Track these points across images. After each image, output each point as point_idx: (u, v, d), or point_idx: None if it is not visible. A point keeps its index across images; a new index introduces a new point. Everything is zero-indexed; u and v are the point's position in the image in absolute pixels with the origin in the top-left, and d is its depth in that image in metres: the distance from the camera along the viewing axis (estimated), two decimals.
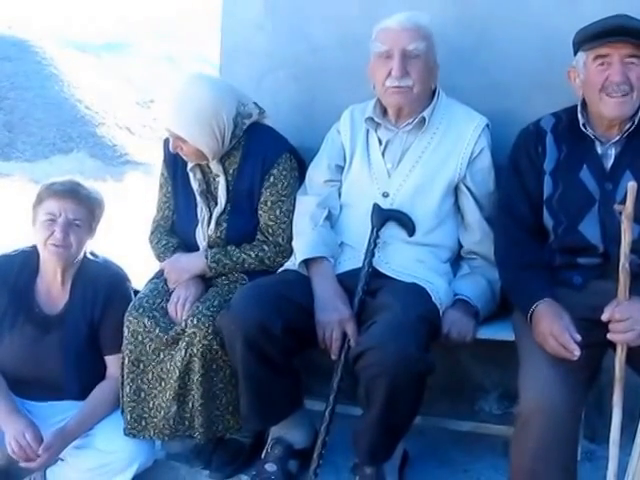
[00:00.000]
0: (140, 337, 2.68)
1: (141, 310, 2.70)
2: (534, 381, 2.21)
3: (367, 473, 2.55)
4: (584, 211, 2.38)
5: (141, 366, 2.70)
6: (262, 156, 2.84)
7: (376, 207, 2.68)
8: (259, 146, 2.86)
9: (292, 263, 2.73)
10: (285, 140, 2.92)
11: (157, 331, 2.67)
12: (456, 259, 2.79)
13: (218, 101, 2.76)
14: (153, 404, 2.70)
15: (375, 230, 2.66)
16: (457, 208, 2.76)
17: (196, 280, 2.83)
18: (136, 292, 2.86)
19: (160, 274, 2.93)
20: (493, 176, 2.74)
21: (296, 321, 2.50)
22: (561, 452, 2.16)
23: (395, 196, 2.70)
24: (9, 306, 2.76)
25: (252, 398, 2.56)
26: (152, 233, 3.03)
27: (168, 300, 2.78)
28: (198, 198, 2.88)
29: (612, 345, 2.22)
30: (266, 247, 2.82)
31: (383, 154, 2.74)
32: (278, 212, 2.83)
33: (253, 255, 2.81)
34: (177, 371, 2.63)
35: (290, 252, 2.79)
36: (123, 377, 2.72)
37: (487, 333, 2.66)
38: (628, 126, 2.38)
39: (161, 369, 2.69)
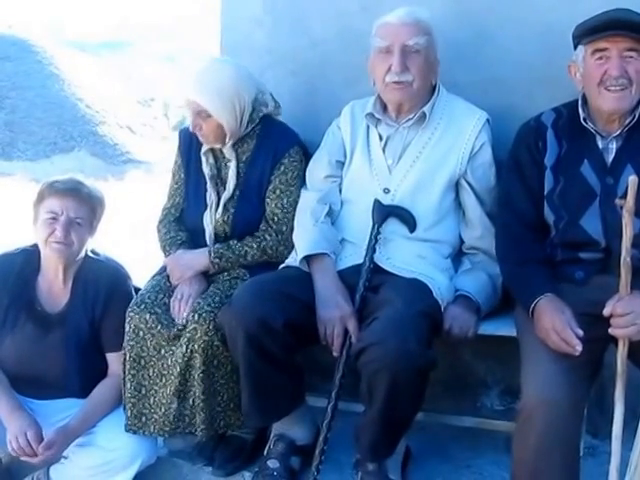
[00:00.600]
0: (141, 333, 2.68)
1: (143, 306, 2.70)
2: (536, 376, 2.21)
3: (369, 469, 2.55)
4: (585, 206, 2.38)
5: (142, 362, 2.70)
6: (274, 147, 2.88)
7: (377, 203, 2.68)
8: (272, 137, 2.91)
9: (293, 259, 2.72)
10: (296, 134, 2.97)
11: (158, 327, 2.67)
12: (457, 255, 2.79)
13: (240, 80, 2.84)
14: (154, 400, 2.70)
15: (376, 226, 2.65)
16: (458, 204, 2.76)
17: (199, 277, 2.83)
18: (137, 290, 2.86)
19: (162, 270, 2.93)
20: (494, 171, 2.73)
21: (297, 317, 2.50)
22: (563, 447, 2.16)
23: (396, 192, 2.69)
24: (10, 305, 2.76)
25: (253, 394, 2.56)
26: (161, 222, 3.05)
27: (170, 296, 2.79)
28: (208, 183, 2.90)
29: (614, 340, 2.22)
30: (268, 236, 2.83)
31: (384, 150, 2.74)
32: (285, 201, 2.85)
33: (255, 246, 2.82)
34: (178, 367, 2.63)
35: (292, 242, 2.80)
36: (124, 373, 2.72)
37: (489, 329, 2.66)
38: (629, 120, 2.37)
39: (162, 365, 2.69)
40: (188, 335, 2.61)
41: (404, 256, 2.65)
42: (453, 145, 2.69)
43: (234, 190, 2.88)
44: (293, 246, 2.79)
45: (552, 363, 2.20)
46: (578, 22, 2.43)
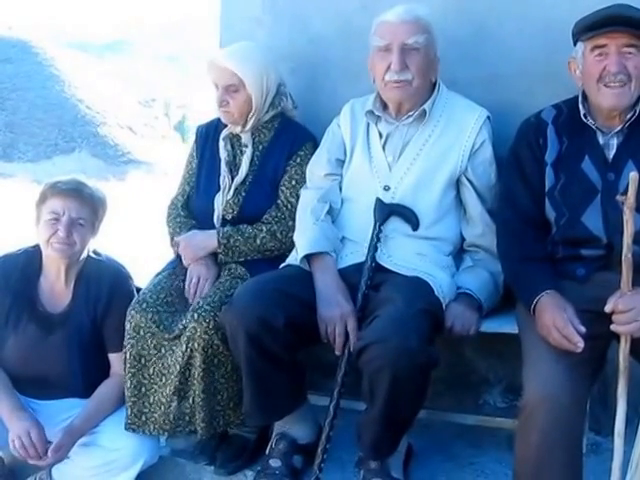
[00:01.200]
0: (142, 332, 2.68)
1: (144, 305, 2.71)
2: (538, 374, 2.20)
3: (372, 467, 2.55)
4: (586, 202, 2.38)
5: (142, 361, 2.70)
6: (291, 140, 2.98)
7: (379, 202, 2.68)
8: (289, 132, 3.01)
9: (294, 258, 2.72)
10: (312, 133, 3.03)
11: (159, 327, 2.68)
12: (458, 252, 2.78)
13: (269, 61, 2.99)
14: (154, 399, 2.70)
15: (378, 225, 2.65)
16: (459, 201, 2.76)
17: (213, 261, 2.89)
18: (139, 290, 2.86)
19: (164, 270, 2.95)
20: (494, 168, 2.73)
21: (298, 316, 2.49)
22: (565, 444, 2.15)
23: (396, 189, 2.69)
24: (13, 305, 2.76)
25: (255, 393, 2.56)
26: (169, 207, 3.11)
27: (172, 295, 2.80)
28: (223, 167, 2.97)
29: (616, 337, 2.21)
30: (278, 222, 2.88)
31: (384, 147, 2.74)
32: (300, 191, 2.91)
33: (265, 230, 2.87)
34: (178, 366, 2.64)
35: None
36: (125, 372, 2.72)
37: (491, 326, 2.65)
38: (629, 116, 2.37)
39: (162, 364, 2.69)
40: (188, 334, 2.61)
41: (405, 254, 2.65)
42: (454, 142, 2.69)
43: (247, 175, 2.94)
44: None
45: (554, 360, 2.19)
46: (578, 18, 2.43)
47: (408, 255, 2.64)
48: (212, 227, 2.94)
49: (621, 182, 2.33)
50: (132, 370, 2.70)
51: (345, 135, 2.84)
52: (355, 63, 2.93)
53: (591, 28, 2.34)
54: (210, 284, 2.82)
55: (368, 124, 2.79)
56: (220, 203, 2.94)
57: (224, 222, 2.94)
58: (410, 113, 2.71)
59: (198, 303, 2.67)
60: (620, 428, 2.14)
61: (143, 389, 2.71)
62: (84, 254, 2.80)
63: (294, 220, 2.84)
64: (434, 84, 2.75)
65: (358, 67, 2.85)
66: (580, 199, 2.39)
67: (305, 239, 2.70)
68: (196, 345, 2.60)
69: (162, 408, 2.68)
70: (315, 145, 2.98)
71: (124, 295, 2.81)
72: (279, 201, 2.93)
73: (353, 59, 2.99)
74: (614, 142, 2.40)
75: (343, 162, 2.85)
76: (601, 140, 2.41)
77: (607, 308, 2.17)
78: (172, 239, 3.01)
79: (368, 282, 2.59)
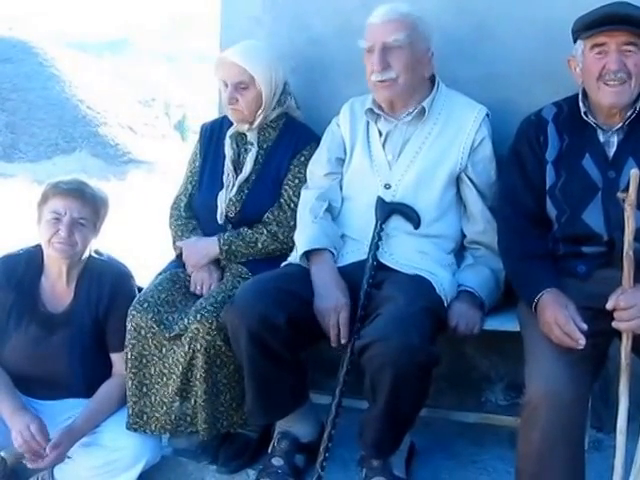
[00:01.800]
0: (143, 332, 2.69)
1: (146, 305, 2.71)
2: (540, 371, 2.20)
3: (374, 466, 2.55)
4: (587, 200, 2.38)
5: (143, 361, 2.70)
6: (296, 139, 3.00)
7: (380, 200, 2.68)
8: (294, 132, 3.03)
9: (294, 257, 2.72)
10: (315, 133, 3.04)
11: (160, 327, 2.68)
12: (459, 250, 2.78)
13: (276, 58, 3.02)
14: (155, 399, 2.71)
15: (379, 223, 2.65)
16: (459, 198, 2.76)
17: (216, 266, 2.91)
18: (140, 289, 2.87)
19: (166, 269, 2.96)
20: (494, 166, 2.73)
21: (300, 314, 2.49)
22: (567, 441, 2.15)
23: (397, 187, 2.69)
24: (14, 305, 2.76)
25: (257, 392, 2.56)
26: (171, 207, 3.11)
27: (173, 295, 2.81)
28: (228, 165, 2.98)
29: (618, 333, 2.21)
30: (279, 224, 2.88)
31: (383, 146, 2.74)
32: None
33: (266, 232, 2.88)
34: (180, 367, 2.64)
35: None
36: (126, 372, 2.72)
37: (493, 324, 2.65)
38: (629, 113, 2.37)
39: (163, 364, 2.69)
40: (190, 335, 2.61)
41: (406, 252, 2.65)
42: (453, 140, 2.69)
43: (250, 174, 2.96)
44: None
45: (556, 358, 2.19)
46: (577, 17, 2.42)
47: (409, 253, 2.65)
48: (215, 225, 2.95)
49: (622, 179, 2.33)
50: (133, 370, 2.70)
51: (345, 134, 2.84)
52: (355, 62, 2.92)
53: (590, 26, 2.34)
54: (214, 287, 2.84)
55: (368, 122, 2.80)
56: (223, 201, 2.95)
57: (227, 220, 2.95)
58: (409, 111, 2.71)
59: (201, 303, 2.68)
60: (622, 425, 2.14)
61: (144, 389, 2.71)
62: (86, 254, 2.80)
63: (296, 220, 2.85)
64: (433, 82, 2.75)
65: (358, 66, 2.84)
66: (581, 196, 2.39)
67: (304, 237, 2.70)
68: (198, 346, 2.60)
69: (164, 408, 2.68)
70: (319, 145, 2.98)
71: (126, 295, 2.81)
72: (282, 200, 2.94)
73: (353, 58, 2.98)
74: (614, 140, 2.40)
75: (343, 161, 2.86)
76: (601, 138, 2.41)
77: (609, 305, 2.17)
78: (174, 242, 3.03)
79: (370, 280, 2.59)
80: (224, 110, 3.16)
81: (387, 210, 2.66)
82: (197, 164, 3.12)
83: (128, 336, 2.70)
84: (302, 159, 2.96)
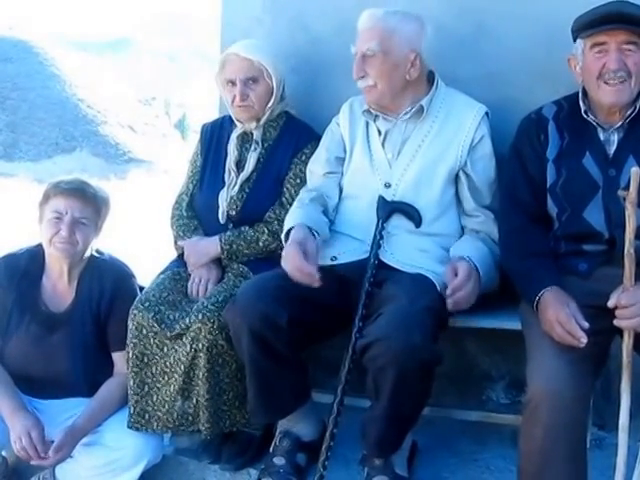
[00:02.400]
0: (145, 331, 2.69)
1: (147, 304, 2.71)
2: (541, 369, 2.20)
3: (376, 465, 2.55)
4: (588, 198, 2.38)
5: (145, 360, 2.71)
6: (296, 137, 3.02)
7: (381, 199, 2.68)
8: (295, 130, 3.05)
9: None
10: (316, 131, 3.05)
11: (161, 326, 2.68)
12: None
13: (276, 57, 3.04)
14: (157, 398, 2.71)
15: (381, 222, 2.65)
16: (459, 196, 2.75)
17: (216, 264, 2.91)
18: (142, 288, 2.87)
19: (168, 269, 2.96)
20: (494, 163, 2.72)
21: (301, 313, 2.49)
22: (569, 439, 2.15)
23: (397, 186, 2.69)
24: (15, 304, 2.77)
25: (259, 391, 2.56)
26: (173, 207, 3.12)
27: (175, 294, 2.81)
28: (231, 164, 2.99)
29: (619, 331, 2.21)
30: (279, 224, 2.86)
31: (383, 144, 2.74)
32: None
33: (267, 231, 2.89)
34: (182, 366, 2.64)
35: None
36: (128, 371, 2.72)
37: (494, 323, 2.66)
38: (630, 112, 2.37)
39: (165, 363, 2.70)
40: (192, 334, 2.61)
41: (407, 251, 2.64)
42: (452, 138, 2.69)
43: (252, 172, 2.96)
44: None
45: (557, 356, 2.19)
46: (577, 15, 2.42)
47: (410, 252, 2.64)
48: (216, 223, 2.96)
49: (622, 178, 2.33)
50: (135, 369, 2.70)
51: (344, 133, 2.85)
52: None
53: (590, 25, 2.34)
54: (212, 284, 2.85)
55: (367, 122, 2.80)
56: (224, 200, 2.95)
57: (228, 219, 2.95)
58: (407, 109, 2.71)
59: (202, 303, 2.67)
60: (624, 423, 2.14)
61: (146, 388, 2.71)
62: (87, 253, 2.81)
63: None
64: (432, 81, 2.75)
65: None
66: (582, 195, 2.39)
67: (288, 223, 2.71)
68: (200, 345, 2.60)
69: (166, 407, 2.69)
70: (319, 142, 2.98)
71: (127, 294, 2.81)
72: (283, 199, 2.95)
73: (352, 57, 2.98)
74: (615, 138, 2.39)
75: (343, 160, 2.86)
76: (602, 136, 2.41)
77: (610, 303, 2.17)
78: (176, 242, 3.03)
79: (371, 279, 2.59)
80: (224, 110, 3.16)
81: (388, 209, 2.66)
82: (198, 164, 3.12)
83: (130, 335, 2.70)
84: (303, 157, 2.97)
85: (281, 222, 2.86)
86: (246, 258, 2.89)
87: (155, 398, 2.71)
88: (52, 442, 2.59)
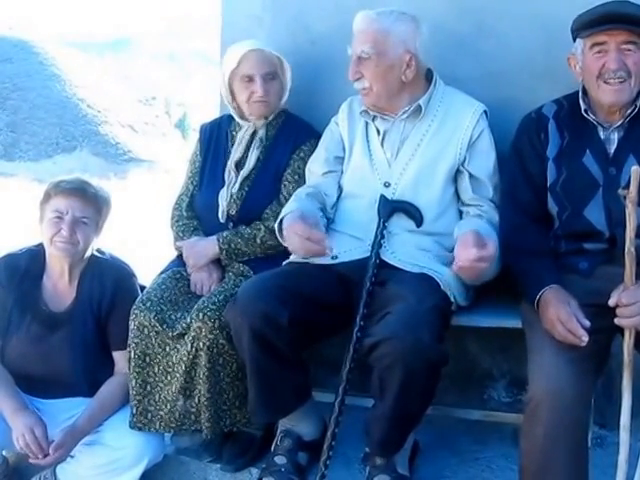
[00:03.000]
0: (146, 331, 2.69)
1: (148, 304, 2.71)
2: (542, 368, 2.20)
3: (378, 464, 2.55)
4: (588, 196, 2.38)
5: (147, 360, 2.71)
6: (295, 134, 3.03)
7: (383, 199, 2.68)
8: (293, 127, 3.06)
9: (295, 255, 2.71)
10: (315, 129, 3.06)
11: (163, 325, 2.68)
12: None
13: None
14: (159, 397, 2.71)
15: (382, 221, 2.65)
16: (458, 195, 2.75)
17: (216, 265, 2.91)
18: (142, 288, 2.87)
19: (169, 268, 2.96)
20: (494, 157, 2.71)
21: (302, 312, 2.49)
22: (571, 438, 2.15)
23: (397, 185, 2.69)
24: (16, 304, 2.76)
25: (260, 391, 2.56)
26: (173, 208, 3.12)
27: (176, 294, 2.81)
28: (231, 164, 2.99)
29: (620, 330, 2.21)
30: (275, 220, 2.84)
31: (382, 144, 2.75)
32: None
33: (263, 227, 2.89)
34: (183, 365, 2.64)
35: None
36: (130, 371, 2.72)
37: (495, 321, 2.65)
38: (630, 111, 2.37)
39: (167, 363, 2.70)
40: (193, 334, 2.61)
41: (408, 250, 2.64)
42: (451, 137, 2.69)
43: (252, 170, 2.97)
44: None
45: (558, 354, 2.19)
46: (577, 15, 2.42)
47: (411, 251, 2.64)
48: (217, 223, 2.96)
49: (622, 176, 2.33)
50: (137, 369, 2.70)
51: (343, 133, 2.85)
52: None
53: (590, 25, 2.35)
54: (214, 288, 2.84)
55: (366, 121, 2.80)
56: (224, 198, 2.95)
57: (228, 217, 2.95)
58: (405, 109, 2.71)
59: (203, 302, 2.67)
60: (625, 421, 2.15)
61: (148, 387, 2.72)
62: (88, 253, 2.81)
63: None
64: (430, 80, 2.75)
65: None
66: (582, 193, 2.39)
67: (282, 213, 2.71)
68: (201, 344, 2.60)
69: (168, 406, 2.69)
70: (318, 140, 2.99)
71: (128, 293, 2.81)
72: (281, 196, 2.95)
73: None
74: (615, 137, 2.40)
75: (342, 159, 2.86)
76: (602, 135, 2.41)
77: (611, 302, 2.17)
78: (175, 242, 3.04)
79: (372, 279, 2.58)
80: (225, 109, 3.15)
81: (390, 208, 2.66)
82: (197, 164, 3.12)
83: (131, 335, 2.70)
84: (302, 155, 2.97)
85: (275, 218, 2.86)
86: (246, 257, 2.89)
87: (157, 398, 2.71)
88: (52, 441, 2.59)
